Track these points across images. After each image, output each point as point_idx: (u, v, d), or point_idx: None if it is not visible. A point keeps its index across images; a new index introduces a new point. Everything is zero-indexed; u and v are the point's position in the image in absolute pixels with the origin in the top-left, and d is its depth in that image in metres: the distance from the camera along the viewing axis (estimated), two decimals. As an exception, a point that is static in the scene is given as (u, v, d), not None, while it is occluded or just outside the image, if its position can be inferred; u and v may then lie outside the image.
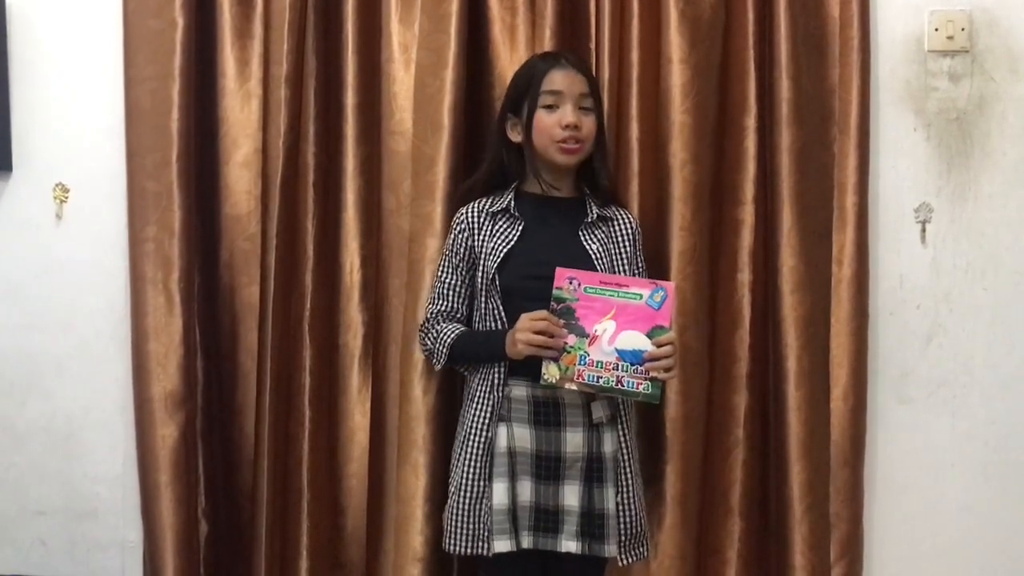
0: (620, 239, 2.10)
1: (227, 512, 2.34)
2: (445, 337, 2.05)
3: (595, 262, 2.04)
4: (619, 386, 1.90)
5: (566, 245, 2.06)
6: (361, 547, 2.33)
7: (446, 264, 2.11)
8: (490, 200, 2.11)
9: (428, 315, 2.12)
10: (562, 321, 1.92)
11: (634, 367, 1.90)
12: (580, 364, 1.91)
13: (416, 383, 2.23)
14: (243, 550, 2.32)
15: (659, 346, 1.91)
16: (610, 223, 2.11)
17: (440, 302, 2.11)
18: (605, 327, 1.92)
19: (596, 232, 2.09)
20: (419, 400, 2.23)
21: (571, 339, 1.92)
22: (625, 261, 2.09)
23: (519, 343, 1.93)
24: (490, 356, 2.02)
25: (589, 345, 1.91)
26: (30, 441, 2.40)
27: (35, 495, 2.40)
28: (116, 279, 2.35)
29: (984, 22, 2.37)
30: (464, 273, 2.09)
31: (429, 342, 2.10)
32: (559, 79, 2.05)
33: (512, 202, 2.08)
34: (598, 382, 1.91)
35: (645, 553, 2.06)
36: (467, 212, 2.11)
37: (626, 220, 2.14)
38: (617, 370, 1.91)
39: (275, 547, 2.29)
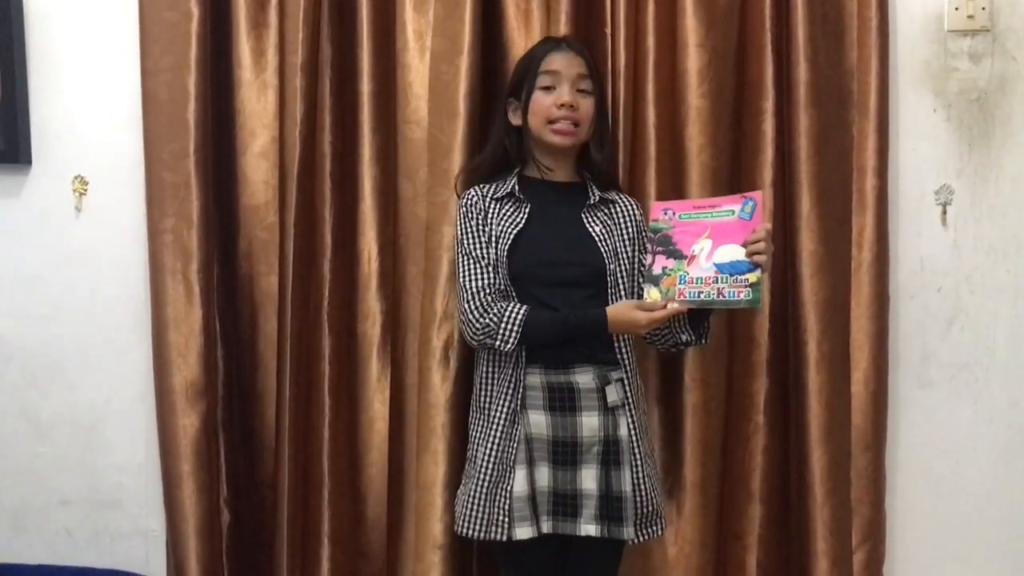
0: (622, 220, 2.10)
1: (248, 500, 2.36)
2: (514, 315, 1.96)
3: (598, 244, 2.04)
4: (720, 297, 1.93)
5: (569, 228, 2.06)
6: (382, 534, 2.34)
7: (474, 242, 2.03)
8: (493, 187, 2.10)
9: (474, 293, 1.99)
10: (660, 248, 1.98)
11: (733, 277, 1.92)
12: (680, 284, 1.95)
13: (435, 371, 2.24)
14: (265, 538, 2.34)
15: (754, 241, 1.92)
16: (612, 205, 2.12)
17: (484, 278, 2.00)
18: (702, 246, 1.96)
19: (598, 214, 2.09)
20: (438, 388, 2.24)
21: (669, 263, 1.97)
22: (628, 242, 2.08)
23: (642, 329, 1.97)
24: (578, 336, 1.99)
25: (688, 265, 1.96)
26: (53, 432, 2.43)
27: (59, 485, 2.43)
28: (136, 270, 2.36)
29: (1005, 0, 2.34)
30: (494, 248, 2.03)
31: (489, 321, 1.97)
32: (557, 60, 2.06)
33: (516, 186, 2.08)
34: (699, 296, 1.94)
35: (659, 532, 2.06)
36: (476, 193, 2.09)
37: (627, 203, 2.14)
38: (717, 283, 1.93)
39: (296, 535, 2.31)
